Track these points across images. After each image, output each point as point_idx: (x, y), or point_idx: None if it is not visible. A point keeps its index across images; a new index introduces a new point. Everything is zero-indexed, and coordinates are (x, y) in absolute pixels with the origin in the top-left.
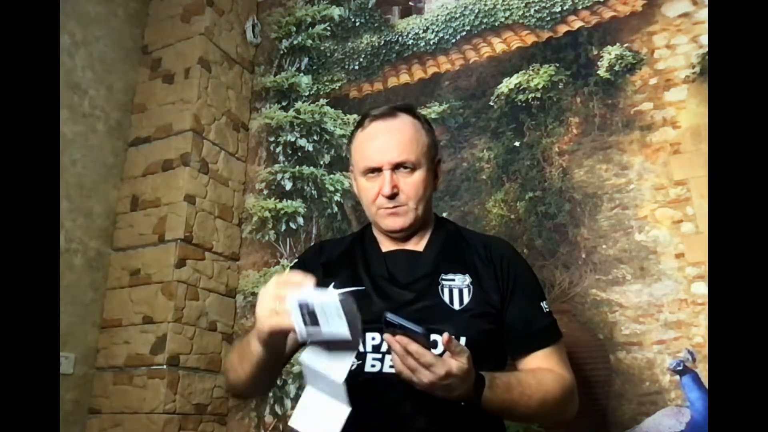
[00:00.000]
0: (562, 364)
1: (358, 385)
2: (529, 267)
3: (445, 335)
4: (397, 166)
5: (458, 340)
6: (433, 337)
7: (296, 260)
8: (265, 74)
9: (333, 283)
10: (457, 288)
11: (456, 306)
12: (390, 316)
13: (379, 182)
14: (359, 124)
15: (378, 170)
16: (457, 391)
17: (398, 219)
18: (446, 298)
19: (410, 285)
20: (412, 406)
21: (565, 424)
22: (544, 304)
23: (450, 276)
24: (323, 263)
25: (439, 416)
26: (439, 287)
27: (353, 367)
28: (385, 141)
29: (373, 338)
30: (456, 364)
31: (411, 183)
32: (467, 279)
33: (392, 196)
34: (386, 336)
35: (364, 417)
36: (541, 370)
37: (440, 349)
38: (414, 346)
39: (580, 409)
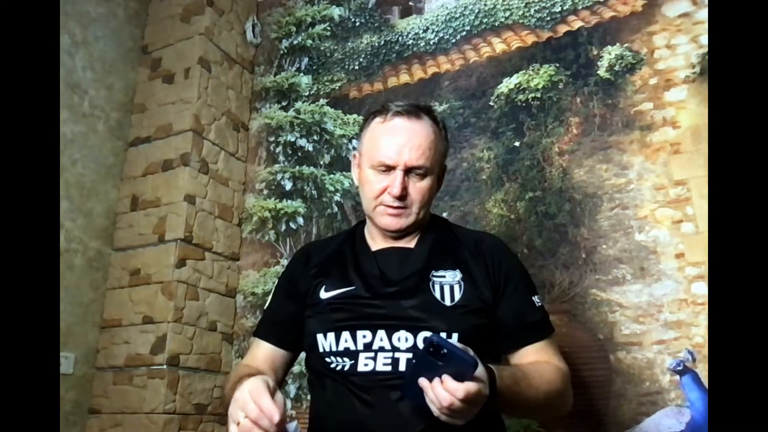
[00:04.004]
0: (557, 357)
1: (352, 384)
2: (519, 261)
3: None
4: (410, 169)
5: (451, 336)
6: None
7: (283, 271)
8: (265, 74)
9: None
10: (448, 284)
11: (447, 302)
12: (436, 338)
13: (388, 179)
14: (379, 113)
15: (390, 168)
16: None
17: (398, 220)
18: (437, 294)
19: (401, 282)
20: (412, 405)
21: (565, 423)
22: (536, 299)
23: (441, 272)
24: (313, 274)
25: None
26: (430, 283)
27: (346, 368)
28: (406, 142)
29: (364, 336)
30: (482, 373)
31: (420, 188)
32: (458, 275)
33: (400, 198)
34: (422, 381)
35: (361, 416)
36: (540, 363)
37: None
38: (453, 385)
39: (580, 409)
